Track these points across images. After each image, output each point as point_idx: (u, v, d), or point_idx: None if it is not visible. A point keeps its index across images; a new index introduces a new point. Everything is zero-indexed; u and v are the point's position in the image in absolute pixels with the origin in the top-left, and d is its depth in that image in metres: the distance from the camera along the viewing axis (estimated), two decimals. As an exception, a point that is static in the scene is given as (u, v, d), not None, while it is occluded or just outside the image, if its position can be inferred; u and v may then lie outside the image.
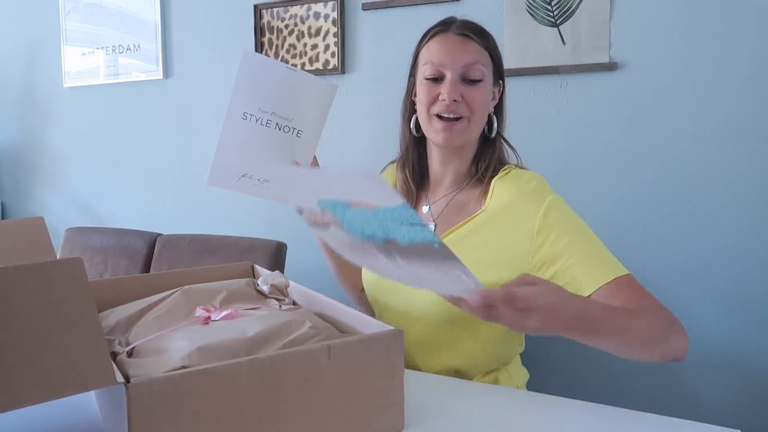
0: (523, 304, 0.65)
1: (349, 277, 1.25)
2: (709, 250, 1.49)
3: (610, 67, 1.54)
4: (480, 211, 0.98)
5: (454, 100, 0.95)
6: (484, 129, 1.03)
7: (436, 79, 0.98)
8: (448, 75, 0.96)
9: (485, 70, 0.97)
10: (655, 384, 1.56)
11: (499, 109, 1.05)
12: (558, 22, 1.60)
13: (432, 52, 0.99)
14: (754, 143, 1.44)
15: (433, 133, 1.00)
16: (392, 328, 0.72)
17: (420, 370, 1.03)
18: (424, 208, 1.08)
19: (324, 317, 0.87)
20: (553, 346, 1.64)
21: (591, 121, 1.59)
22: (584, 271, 0.87)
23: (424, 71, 1.00)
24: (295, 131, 1.08)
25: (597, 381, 1.62)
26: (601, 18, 1.55)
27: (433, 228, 1.03)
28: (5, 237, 0.89)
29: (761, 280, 1.45)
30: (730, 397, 1.49)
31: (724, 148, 1.46)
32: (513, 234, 0.93)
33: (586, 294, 0.86)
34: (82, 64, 2.44)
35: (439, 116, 0.98)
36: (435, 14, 1.75)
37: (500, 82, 1.04)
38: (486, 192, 0.99)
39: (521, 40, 1.64)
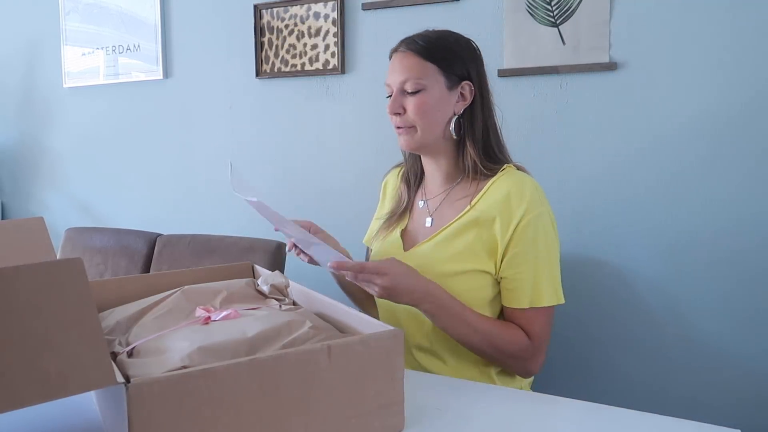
0: (373, 270, 0.92)
1: (357, 300, 1.34)
2: (709, 250, 1.49)
3: (610, 67, 1.54)
4: (468, 208, 1.06)
5: (396, 113, 1.07)
6: (461, 131, 1.08)
7: (391, 94, 1.09)
8: (394, 92, 1.08)
9: (423, 81, 1.04)
10: (655, 384, 1.56)
11: (470, 111, 1.08)
12: (558, 22, 1.60)
13: (387, 73, 1.11)
14: (755, 143, 1.44)
15: (398, 138, 1.12)
16: (392, 328, 0.73)
17: (422, 346, 1.09)
18: (420, 203, 1.17)
19: (324, 317, 0.87)
20: (554, 346, 1.64)
21: (591, 121, 1.59)
22: (529, 287, 1.02)
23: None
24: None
25: (597, 381, 1.62)
26: (601, 18, 1.55)
27: (431, 221, 1.13)
28: (5, 237, 0.89)
29: (761, 279, 1.45)
30: (730, 397, 1.49)
31: (725, 148, 1.46)
32: (497, 229, 1.02)
33: (519, 306, 1.03)
34: (82, 64, 2.44)
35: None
36: (435, 14, 1.75)
37: (465, 84, 1.07)
38: (477, 190, 1.07)
39: (521, 40, 1.64)
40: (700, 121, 1.48)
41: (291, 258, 1.74)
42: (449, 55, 1.07)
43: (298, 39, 1.97)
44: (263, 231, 2.00)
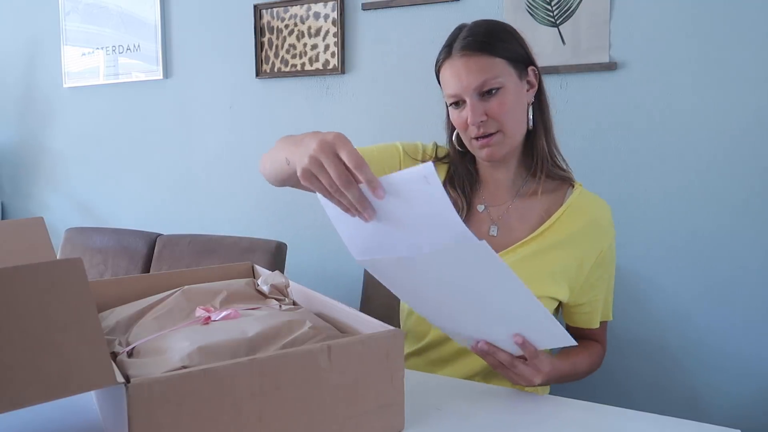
0: (534, 365, 0.84)
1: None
2: (710, 250, 1.49)
3: (610, 67, 1.54)
4: (546, 225, 1.01)
5: (481, 122, 0.96)
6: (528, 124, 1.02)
7: (459, 103, 0.99)
8: (467, 100, 0.97)
9: (500, 79, 0.96)
10: (655, 384, 1.56)
11: (538, 97, 1.03)
12: (558, 22, 1.60)
13: (445, 82, 1.00)
14: (755, 143, 1.44)
15: (477, 152, 1.02)
16: (392, 328, 0.72)
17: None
18: (480, 207, 1.07)
19: (324, 317, 0.87)
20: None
21: (591, 121, 1.59)
22: (602, 307, 1.07)
23: (446, 99, 1.02)
24: None
25: (597, 381, 1.62)
26: (601, 18, 1.55)
27: (496, 230, 1.05)
28: (5, 237, 0.89)
29: (762, 279, 1.45)
30: (731, 397, 1.49)
31: (725, 148, 1.46)
32: (586, 256, 1.01)
33: (593, 326, 1.08)
34: (82, 64, 2.44)
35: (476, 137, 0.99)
36: (435, 14, 1.75)
37: (530, 70, 1.01)
38: (550, 202, 1.03)
39: (521, 40, 1.64)
40: (699, 121, 1.48)
41: (291, 258, 1.75)
42: (509, 44, 0.98)
43: (298, 39, 1.97)
44: (263, 231, 2.01)
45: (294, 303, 0.96)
